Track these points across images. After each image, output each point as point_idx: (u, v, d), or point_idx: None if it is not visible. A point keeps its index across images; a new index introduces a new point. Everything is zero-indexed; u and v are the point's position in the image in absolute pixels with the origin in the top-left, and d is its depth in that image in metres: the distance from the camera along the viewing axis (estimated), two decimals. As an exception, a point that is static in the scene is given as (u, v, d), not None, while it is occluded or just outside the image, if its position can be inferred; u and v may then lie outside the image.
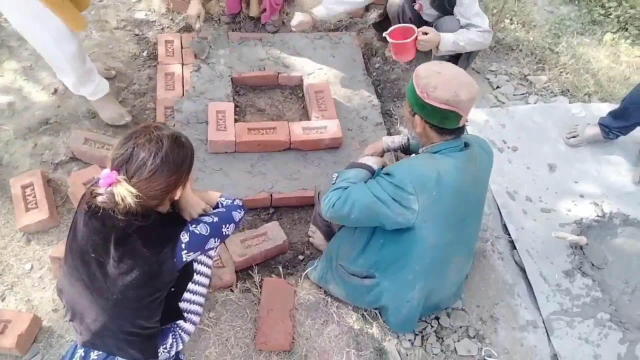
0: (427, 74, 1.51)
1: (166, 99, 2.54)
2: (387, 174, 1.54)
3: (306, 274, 1.97)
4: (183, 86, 2.61)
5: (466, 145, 1.62)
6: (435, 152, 1.58)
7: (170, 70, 2.66)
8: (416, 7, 2.62)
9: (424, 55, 2.93)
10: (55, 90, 2.57)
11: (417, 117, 1.57)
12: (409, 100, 1.58)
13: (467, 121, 1.58)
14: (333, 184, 1.66)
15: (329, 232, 2.01)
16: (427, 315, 1.92)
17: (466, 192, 1.58)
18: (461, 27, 2.42)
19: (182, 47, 2.79)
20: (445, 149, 1.57)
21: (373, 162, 1.76)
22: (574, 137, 2.59)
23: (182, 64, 2.72)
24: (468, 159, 1.58)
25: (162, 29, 3.01)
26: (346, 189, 1.59)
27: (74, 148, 2.24)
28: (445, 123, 1.53)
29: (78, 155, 2.27)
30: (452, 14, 2.47)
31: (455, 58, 2.67)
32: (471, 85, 1.50)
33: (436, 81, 1.48)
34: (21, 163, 2.26)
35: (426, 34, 2.32)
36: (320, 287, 1.95)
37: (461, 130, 1.58)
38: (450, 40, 2.35)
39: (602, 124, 2.53)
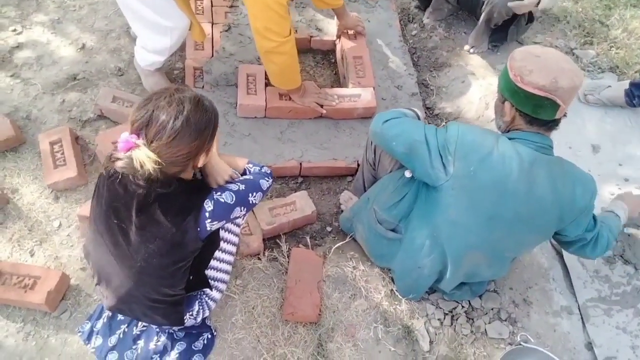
0: (524, 57, 1.37)
1: (195, 59, 2.45)
2: (446, 127, 1.49)
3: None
4: (213, 46, 2.52)
5: (549, 149, 1.44)
6: (511, 138, 1.44)
7: (200, 29, 2.56)
8: None
9: (473, 22, 2.77)
10: (83, 46, 2.51)
11: (507, 104, 1.44)
12: (499, 85, 1.45)
13: (565, 114, 1.40)
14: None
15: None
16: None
17: (506, 191, 1.42)
18: None
19: (212, 6, 2.68)
20: (522, 139, 1.42)
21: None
22: (591, 95, 2.48)
23: (212, 23, 2.61)
24: (538, 166, 1.41)
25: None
26: (406, 116, 1.61)
27: (102, 106, 2.19)
28: (539, 112, 1.38)
29: (106, 114, 2.23)
30: None
31: (505, 27, 2.55)
32: (574, 73, 1.34)
33: (533, 65, 1.34)
34: (49, 119, 2.23)
35: None
36: (346, 235, 1.95)
37: (555, 123, 1.42)
38: None
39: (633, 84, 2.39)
